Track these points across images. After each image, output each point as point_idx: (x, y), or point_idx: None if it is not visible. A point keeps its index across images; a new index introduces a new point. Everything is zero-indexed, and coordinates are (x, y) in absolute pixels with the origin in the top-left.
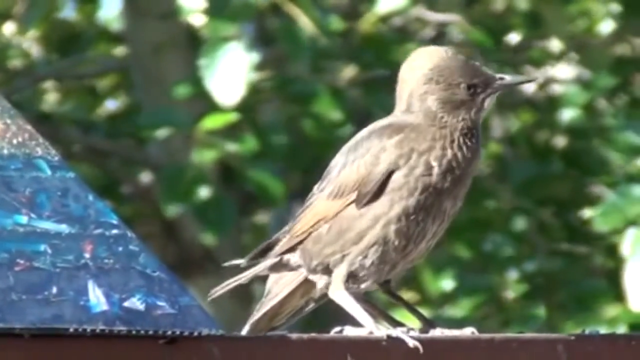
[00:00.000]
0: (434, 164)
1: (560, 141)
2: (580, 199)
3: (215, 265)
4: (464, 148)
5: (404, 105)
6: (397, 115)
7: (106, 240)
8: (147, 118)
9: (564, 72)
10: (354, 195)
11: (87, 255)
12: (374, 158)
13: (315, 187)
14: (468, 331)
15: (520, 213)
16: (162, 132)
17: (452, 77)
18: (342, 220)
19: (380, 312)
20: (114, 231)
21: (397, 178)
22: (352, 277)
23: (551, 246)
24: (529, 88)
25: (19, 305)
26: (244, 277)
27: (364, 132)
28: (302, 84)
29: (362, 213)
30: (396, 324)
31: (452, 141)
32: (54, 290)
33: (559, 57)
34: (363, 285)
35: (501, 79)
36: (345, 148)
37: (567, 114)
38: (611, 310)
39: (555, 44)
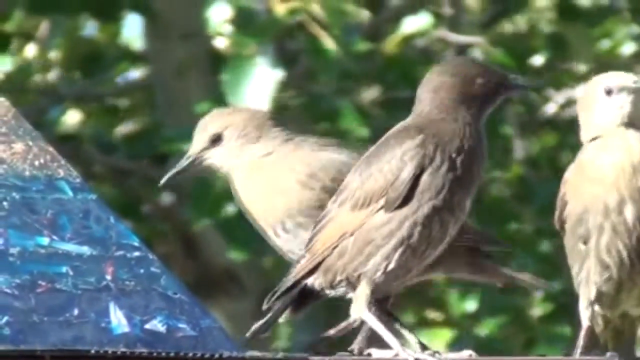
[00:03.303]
0: (454, 155)
1: None
2: None
3: (237, 285)
4: (475, 141)
5: (417, 105)
6: (408, 121)
7: (128, 262)
8: (171, 132)
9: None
10: (382, 202)
11: (108, 277)
12: (400, 162)
13: (329, 204)
14: (466, 354)
15: (544, 235)
16: (186, 147)
17: (468, 72)
18: (369, 230)
19: (407, 330)
20: (136, 253)
21: (424, 179)
22: (373, 285)
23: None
24: (551, 109)
25: (40, 326)
26: (273, 316)
27: (373, 148)
28: (329, 101)
29: (389, 218)
30: (421, 345)
31: (464, 135)
32: (76, 311)
33: (581, 79)
34: (382, 291)
35: (514, 79)
36: (361, 161)
37: None
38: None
39: (579, 66)
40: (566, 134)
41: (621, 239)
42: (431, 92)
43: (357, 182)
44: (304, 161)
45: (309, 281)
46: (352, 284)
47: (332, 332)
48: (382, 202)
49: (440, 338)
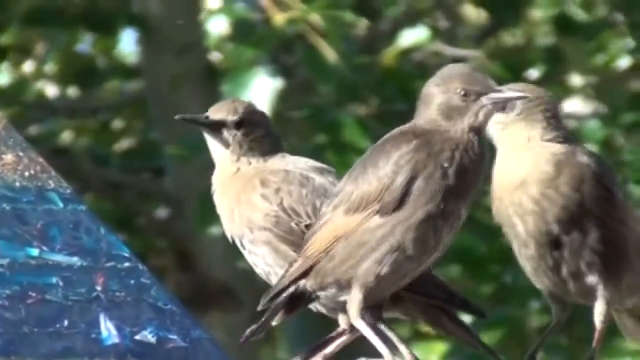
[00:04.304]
0: (446, 165)
1: None
2: None
3: (233, 299)
4: (470, 153)
5: (416, 116)
6: (406, 126)
7: (118, 273)
8: (178, 142)
9: (580, 107)
10: (377, 207)
11: (99, 288)
12: (396, 166)
13: (324, 207)
14: None
15: None
16: (193, 156)
17: (450, 81)
18: (363, 233)
19: (401, 342)
20: (126, 264)
21: (418, 184)
22: (366, 290)
23: None
24: None
25: (30, 338)
26: (267, 319)
27: (369, 151)
28: (332, 112)
29: (384, 222)
30: (413, 355)
31: (457, 145)
32: (66, 323)
33: (577, 92)
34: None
35: (499, 91)
36: (356, 165)
37: None
38: (635, 343)
39: (575, 80)
40: None
41: (531, 248)
42: (422, 104)
43: (352, 186)
44: (275, 178)
45: (301, 284)
46: (342, 287)
47: (324, 343)
48: (377, 206)
49: (435, 351)
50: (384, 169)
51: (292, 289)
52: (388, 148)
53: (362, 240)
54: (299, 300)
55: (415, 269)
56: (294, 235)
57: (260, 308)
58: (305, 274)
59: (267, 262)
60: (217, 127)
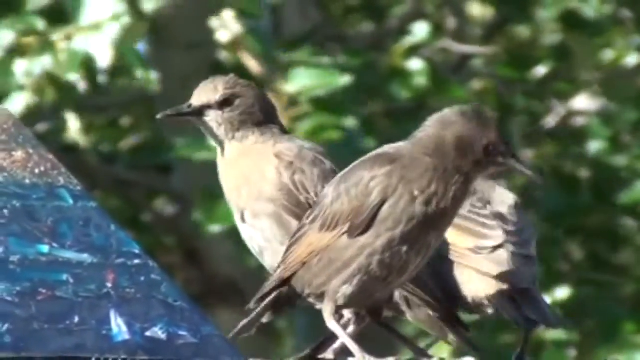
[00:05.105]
0: (416, 193)
1: (584, 173)
2: (611, 231)
3: (240, 297)
4: (453, 187)
5: (418, 131)
6: (394, 146)
7: (128, 269)
8: (185, 142)
9: (586, 104)
10: (346, 227)
11: (109, 285)
12: (365, 188)
13: (304, 218)
14: None
15: (547, 243)
16: (200, 155)
17: (482, 127)
18: (332, 251)
19: (405, 340)
20: (136, 261)
21: (384, 209)
22: (337, 305)
23: (579, 275)
24: (551, 120)
25: (41, 334)
26: (254, 317)
27: (351, 166)
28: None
29: (351, 243)
30: (420, 352)
31: (436, 178)
32: (76, 319)
33: (583, 88)
34: (347, 311)
35: (516, 159)
36: (337, 178)
37: (593, 146)
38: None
39: (582, 76)
40: (567, 145)
41: None
42: (436, 125)
43: (329, 200)
44: (289, 152)
45: (284, 290)
46: (318, 297)
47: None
48: (346, 226)
49: (444, 349)
50: (355, 188)
51: (275, 294)
52: (364, 167)
53: (332, 258)
54: (285, 301)
55: (383, 289)
56: (300, 208)
57: (251, 306)
58: (287, 281)
59: (265, 236)
60: (202, 112)
